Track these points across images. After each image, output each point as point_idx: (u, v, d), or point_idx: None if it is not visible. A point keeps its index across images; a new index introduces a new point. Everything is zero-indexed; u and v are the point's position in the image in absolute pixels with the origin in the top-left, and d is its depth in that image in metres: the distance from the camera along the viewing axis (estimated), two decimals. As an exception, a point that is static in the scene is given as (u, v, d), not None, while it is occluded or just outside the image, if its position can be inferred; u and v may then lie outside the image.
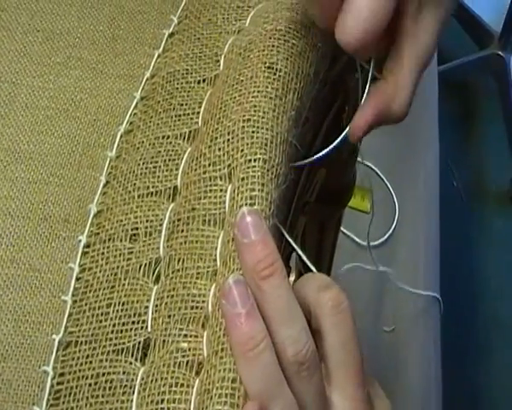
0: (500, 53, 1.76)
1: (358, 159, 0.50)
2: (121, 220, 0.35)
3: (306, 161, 0.36)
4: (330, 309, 0.30)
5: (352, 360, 0.30)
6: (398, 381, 0.85)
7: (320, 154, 0.36)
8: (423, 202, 1.05)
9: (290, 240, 0.34)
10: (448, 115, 1.63)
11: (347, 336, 0.30)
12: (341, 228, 0.62)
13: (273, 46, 0.36)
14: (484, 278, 1.54)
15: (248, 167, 0.33)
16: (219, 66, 0.39)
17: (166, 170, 0.36)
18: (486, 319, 1.48)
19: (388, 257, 0.97)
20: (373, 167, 1.06)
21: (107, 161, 0.38)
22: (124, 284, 0.33)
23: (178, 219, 0.34)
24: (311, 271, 0.35)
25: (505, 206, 1.66)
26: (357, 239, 0.97)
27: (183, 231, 0.33)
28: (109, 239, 0.35)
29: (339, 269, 0.82)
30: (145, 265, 0.34)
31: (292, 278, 0.41)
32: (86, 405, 0.31)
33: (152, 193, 0.35)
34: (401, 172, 1.08)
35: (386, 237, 1.00)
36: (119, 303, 0.33)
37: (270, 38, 0.36)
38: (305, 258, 0.35)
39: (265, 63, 0.35)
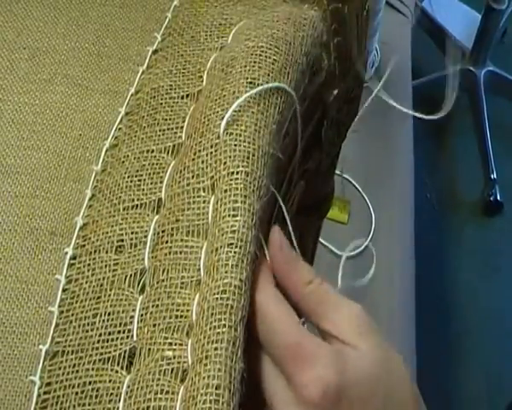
0: (471, 68, 1.81)
1: (336, 171, 0.51)
2: (107, 232, 0.36)
3: None
4: None
5: None
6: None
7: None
8: (399, 212, 1.07)
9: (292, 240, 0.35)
10: (422, 128, 1.66)
11: None
12: (319, 239, 0.64)
13: (255, 62, 0.37)
14: (456, 285, 1.57)
15: (231, 180, 0.33)
16: (202, 81, 0.39)
17: (151, 183, 0.37)
18: (458, 324, 1.50)
19: (365, 267, 0.98)
20: (350, 179, 1.08)
21: (93, 175, 0.38)
22: (110, 295, 0.34)
23: (163, 231, 0.35)
24: None
25: (476, 216, 1.69)
26: (334, 249, 0.98)
27: (167, 242, 0.34)
28: (95, 251, 0.35)
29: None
30: (130, 275, 0.34)
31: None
32: None
33: (137, 205, 0.36)
34: (377, 183, 1.10)
35: (362, 247, 1.01)
36: (105, 313, 0.33)
37: (252, 55, 0.37)
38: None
39: (247, 79, 0.36)
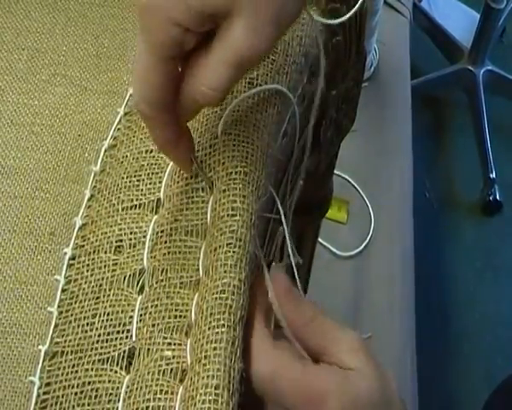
0: (470, 68, 1.81)
1: (336, 171, 0.51)
2: (106, 233, 0.36)
3: None
4: None
5: None
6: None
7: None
8: (398, 212, 1.07)
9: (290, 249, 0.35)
10: (421, 128, 1.66)
11: None
12: (318, 238, 0.64)
13: None
14: (455, 284, 1.57)
15: (230, 179, 0.33)
16: (201, 82, 0.40)
17: (150, 183, 0.37)
18: (458, 324, 1.50)
19: (364, 266, 0.98)
20: (349, 179, 1.08)
21: (92, 176, 0.38)
22: (109, 295, 0.34)
23: (161, 231, 0.35)
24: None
25: (475, 215, 1.69)
26: (333, 249, 0.99)
27: (166, 242, 0.34)
28: (94, 251, 0.35)
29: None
30: (129, 276, 0.34)
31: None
32: None
33: (136, 206, 0.36)
34: (376, 183, 1.10)
35: (362, 247, 1.01)
36: (105, 313, 0.33)
37: None
38: (294, 267, 0.36)
39: (246, 78, 0.36)
